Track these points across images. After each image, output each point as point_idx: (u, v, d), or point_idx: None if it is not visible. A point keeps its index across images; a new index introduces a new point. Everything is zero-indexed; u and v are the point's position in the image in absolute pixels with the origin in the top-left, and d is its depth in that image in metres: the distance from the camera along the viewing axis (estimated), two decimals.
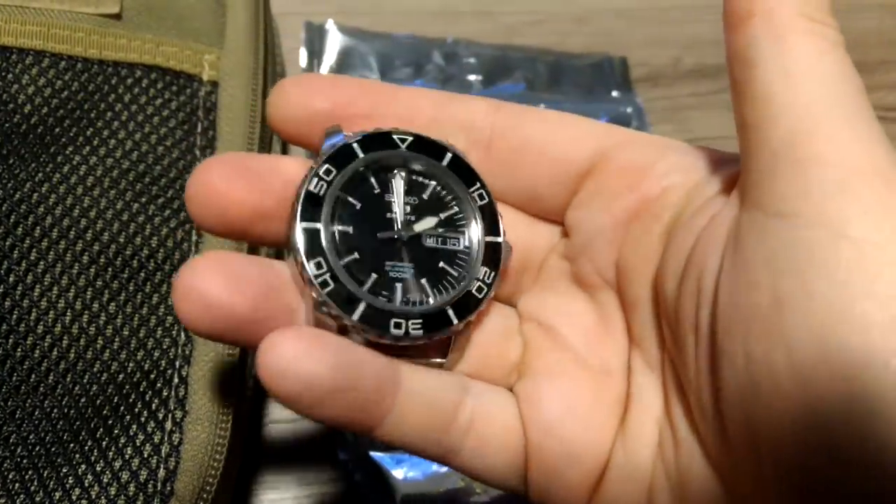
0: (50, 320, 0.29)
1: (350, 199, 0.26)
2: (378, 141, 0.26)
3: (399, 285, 0.26)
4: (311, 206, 0.25)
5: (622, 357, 0.26)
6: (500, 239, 0.26)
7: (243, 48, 0.36)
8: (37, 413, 0.28)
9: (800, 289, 0.19)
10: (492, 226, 0.26)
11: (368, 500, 0.39)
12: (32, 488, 0.28)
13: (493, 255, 0.26)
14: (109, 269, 0.31)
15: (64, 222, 0.30)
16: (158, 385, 0.30)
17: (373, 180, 0.26)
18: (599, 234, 0.26)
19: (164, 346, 0.30)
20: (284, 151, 0.42)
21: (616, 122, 0.50)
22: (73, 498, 0.28)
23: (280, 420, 0.41)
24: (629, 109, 0.52)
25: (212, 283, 0.22)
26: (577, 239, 0.27)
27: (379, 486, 0.39)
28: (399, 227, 0.26)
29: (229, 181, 0.24)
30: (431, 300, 0.26)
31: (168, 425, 0.29)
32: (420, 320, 0.25)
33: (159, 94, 0.33)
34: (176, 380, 0.30)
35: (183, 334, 0.31)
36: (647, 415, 0.25)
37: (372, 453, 0.39)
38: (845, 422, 0.18)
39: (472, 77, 0.53)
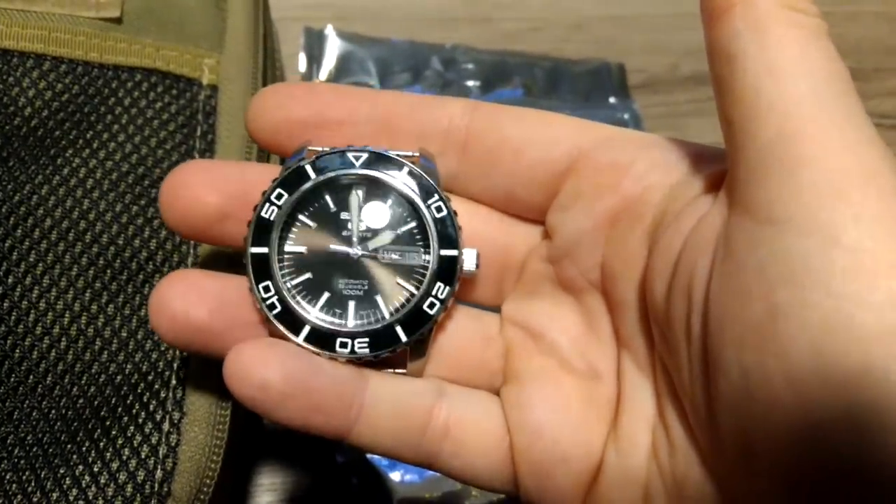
0: (48, 322, 0.29)
1: (305, 219, 0.26)
2: (332, 160, 0.26)
3: (352, 303, 0.26)
4: (262, 231, 0.26)
5: (611, 360, 0.26)
6: (455, 252, 0.26)
7: (243, 53, 0.36)
8: (34, 414, 0.28)
9: (794, 299, 0.19)
10: (449, 239, 0.26)
11: (365, 502, 0.39)
12: (30, 489, 0.28)
13: (449, 269, 0.26)
14: (108, 271, 0.31)
15: (63, 224, 0.30)
16: (156, 386, 0.30)
17: (329, 199, 0.27)
18: (582, 237, 0.26)
19: (162, 348, 0.31)
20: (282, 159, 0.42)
21: None
22: (70, 498, 0.28)
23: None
24: (626, 116, 0.53)
25: (174, 297, 0.25)
26: (560, 241, 0.27)
27: (376, 489, 0.39)
28: (354, 244, 0.26)
29: (195, 185, 0.26)
30: (383, 317, 0.26)
31: (165, 426, 0.29)
32: (367, 339, 0.26)
33: (159, 97, 0.34)
34: (174, 381, 0.30)
35: None
36: (640, 417, 0.25)
37: (369, 456, 0.39)
38: (845, 434, 0.18)
39: (470, 83, 0.53)
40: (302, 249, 0.26)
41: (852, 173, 0.19)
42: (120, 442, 0.29)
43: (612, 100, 0.54)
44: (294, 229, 0.27)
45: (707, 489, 0.22)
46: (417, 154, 0.27)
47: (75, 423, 0.29)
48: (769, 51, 0.20)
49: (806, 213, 0.19)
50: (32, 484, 0.28)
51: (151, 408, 0.30)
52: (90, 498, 0.28)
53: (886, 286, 0.18)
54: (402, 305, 0.26)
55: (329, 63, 0.52)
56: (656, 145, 0.26)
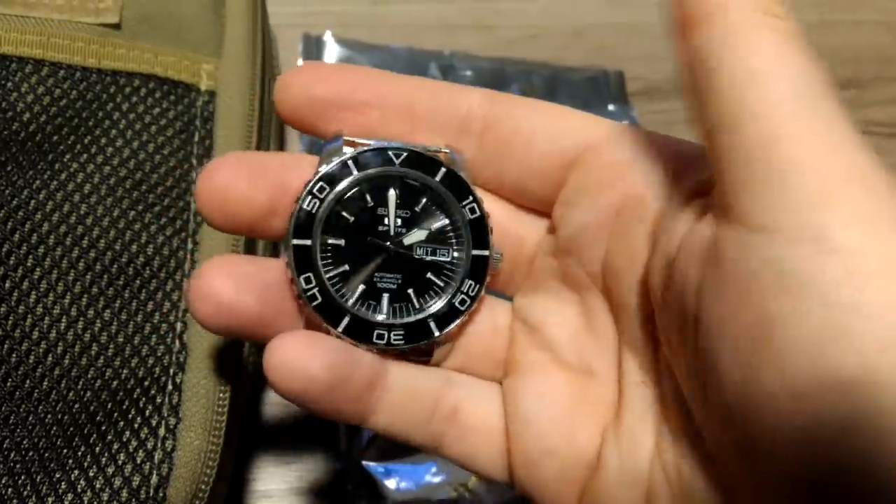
0: (45, 326, 0.29)
1: (344, 213, 0.27)
2: (372, 157, 0.27)
3: (386, 296, 0.27)
4: (304, 223, 0.26)
5: (609, 358, 0.26)
6: (486, 253, 0.27)
7: (241, 59, 0.36)
8: (31, 418, 0.28)
9: (788, 308, 0.19)
10: (480, 239, 0.27)
11: None
12: (25, 493, 0.28)
13: (480, 268, 0.27)
14: (105, 276, 0.31)
15: (61, 229, 0.30)
16: (152, 392, 0.30)
17: (367, 195, 0.27)
18: (584, 232, 0.26)
19: (159, 354, 0.31)
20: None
21: None
22: (66, 503, 0.28)
23: (273, 429, 0.41)
24: (625, 123, 0.53)
25: (221, 284, 0.25)
26: (563, 236, 0.27)
27: (371, 497, 0.39)
28: (390, 239, 0.27)
29: (238, 181, 0.26)
30: (416, 311, 0.27)
31: (161, 432, 0.29)
32: (402, 331, 0.27)
33: (157, 103, 0.34)
34: (170, 386, 0.30)
35: (178, 341, 0.31)
36: (642, 418, 0.25)
37: (364, 463, 0.39)
38: (848, 442, 0.18)
39: None
40: (340, 242, 0.27)
41: (838, 174, 0.19)
42: (116, 447, 0.29)
43: (610, 107, 0.54)
44: (334, 222, 0.27)
45: (712, 493, 0.22)
46: (448, 150, 0.27)
47: (71, 428, 0.29)
48: (748, 56, 0.20)
49: (795, 218, 0.19)
50: (28, 488, 0.28)
51: (147, 413, 0.30)
52: (85, 502, 0.28)
53: (878, 287, 0.18)
54: (434, 301, 0.27)
55: None
56: (663, 144, 0.26)
